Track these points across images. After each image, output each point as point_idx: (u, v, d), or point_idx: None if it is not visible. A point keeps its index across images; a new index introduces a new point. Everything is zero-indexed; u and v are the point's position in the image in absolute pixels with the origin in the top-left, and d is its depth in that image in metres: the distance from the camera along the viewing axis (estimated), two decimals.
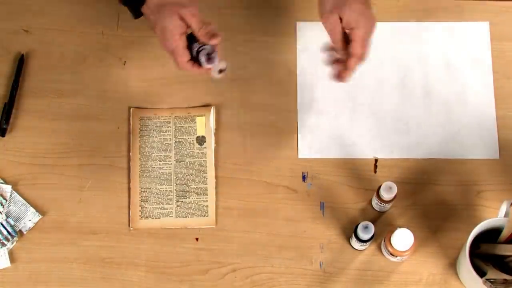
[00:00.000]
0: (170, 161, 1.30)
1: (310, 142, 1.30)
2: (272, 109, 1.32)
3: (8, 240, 1.25)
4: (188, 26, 1.16)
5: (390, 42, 1.35)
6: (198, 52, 1.17)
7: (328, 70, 1.20)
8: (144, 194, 1.28)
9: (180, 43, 1.16)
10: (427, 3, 1.37)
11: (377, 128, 1.31)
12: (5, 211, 1.27)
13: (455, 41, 1.35)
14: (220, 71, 1.18)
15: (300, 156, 1.30)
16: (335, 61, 1.20)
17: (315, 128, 1.31)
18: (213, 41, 1.16)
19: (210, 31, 1.16)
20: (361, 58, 1.18)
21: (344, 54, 1.19)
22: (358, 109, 1.32)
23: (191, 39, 1.17)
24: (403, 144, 1.30)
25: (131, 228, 1.27)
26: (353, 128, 1.31)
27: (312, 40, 1.35)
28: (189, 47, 1.17)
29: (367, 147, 1.30)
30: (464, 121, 1.31)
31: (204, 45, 1.17)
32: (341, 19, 1.19)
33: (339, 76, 1.19)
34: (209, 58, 1.16)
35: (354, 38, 1.18)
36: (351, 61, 1.18)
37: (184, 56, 1.17)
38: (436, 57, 1.34)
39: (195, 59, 1.17)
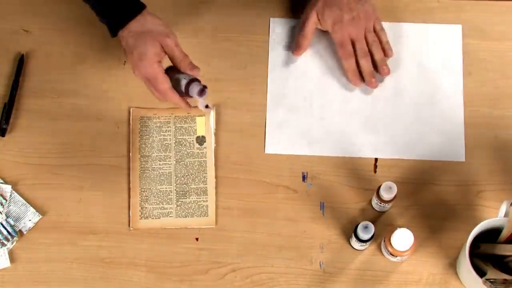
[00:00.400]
0: (170, 161, 1.30)
1: (278, 138, 1.30)
2: None
3: (8, 240, 1.25)
4: (165, 56, 1.19)
5: None
6: (189, 82, 1.18)
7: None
8: (144, 194, 1.28)
9: (160, 70, 1.18)
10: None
11: (347, 126, 1.31)
12: (5, 211, 1.27)
13: (428, 42, 1.35)
14: (207, 106, 1.21)
15: (266, 151, 1.29)
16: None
17: (284, 124, 1.31)
18: (195, 72, 1.19)
19: (191, 62, 1.19)
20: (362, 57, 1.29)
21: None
22: (327, 107, 1.32)
23: (169, 71, 1.20)
24: (371, 142, 1.30)
25: (131, 228, 1.27)
26: (323, 126, 1.31)
27: (284, 36, 1.35)
28: (171, 77, 1.19)
29: (336, 144, 1.30)
30: (433, 122, 1.30)
31: (193, 78, 1.19)
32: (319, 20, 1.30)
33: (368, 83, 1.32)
34: (201, 92, 1.18)
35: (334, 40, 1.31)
36: (343, 63, 1.31)
37: (166, 82, 1.19)
38: (408, 59, 1.34)
39: (178, 90, 1.20)
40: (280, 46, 1.35)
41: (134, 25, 1.18)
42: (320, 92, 1.32)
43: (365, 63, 1.31)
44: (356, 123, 1.31)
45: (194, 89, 1.18)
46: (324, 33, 1.33)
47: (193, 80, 1.19)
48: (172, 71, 1.20)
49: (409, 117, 1.31)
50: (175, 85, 1.20)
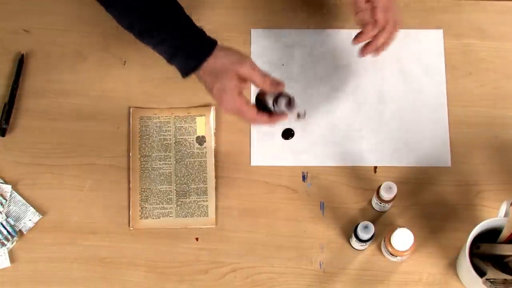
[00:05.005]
0: (170, 161, 1.30)
1: (262, 149, 1.29)
2: None
3: (8, 240, 1.25)
4: (245, 84, 1.16)
5: (346, 49, 1.34)
6: (275, 100, 1.17)
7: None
8: (144, 194, 1.28)
9: (242, 101, 1.16)
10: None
11: (330, 134, 1.31)
12: (5, 211, 1.27)
13: (410, 48, 1.34)
14: (298, 115, 1.19)
15: (252, 163, 1.29)
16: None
17: (268, 134, 1.30)
18: (279, 88, 1.17)
19: (273, 80, 1.17)
20: (387, 30, 1.21)
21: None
22: (311, 116, 1.31)
23: (259, 94, 1.19)
24: (355, 151, 1.29)
25: (131, 228, 1.27)
26: (306, 135, 1.30)
27: (266, 47, 1.35)
28: (261, 102, 1.18)
29: (320, 153, 1.29)
30: (416, 128, 1.30)
31: (279, 94, 1.17)
32: None
33: (365, 48, 1.23)
34: (289, 104, 1.17)
35: (376, 4, 1.21)
36: (378, 33, 1.22)
37: (251, 110, 1.17)
38: (391, 64, 1.34)
39: (268, 110, 1.18)
40: (262, 56, 1.34)
41: (208, 64, 1.16)
42: (303, 102, 1.32)
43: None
44: (340, 130, 1.30)
45: (281, 104, 1.17)
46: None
47: (279, 95, 1.17)
48: (261, 94, 1.19)
49: (392, 123, 1.31)
50: (266, 107, 1.18)
